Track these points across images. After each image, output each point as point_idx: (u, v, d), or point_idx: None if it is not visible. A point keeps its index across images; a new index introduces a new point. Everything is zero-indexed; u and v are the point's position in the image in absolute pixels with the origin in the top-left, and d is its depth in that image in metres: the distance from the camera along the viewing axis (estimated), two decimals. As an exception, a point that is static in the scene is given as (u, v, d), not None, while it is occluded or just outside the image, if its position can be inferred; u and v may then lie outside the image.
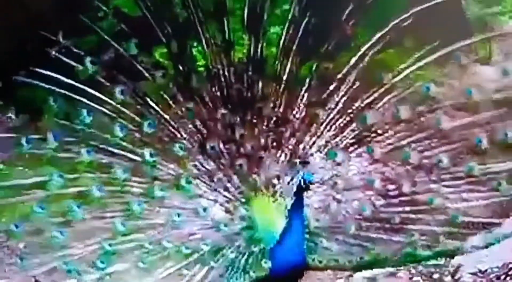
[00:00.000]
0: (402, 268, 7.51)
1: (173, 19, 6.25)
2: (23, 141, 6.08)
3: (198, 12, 6.09)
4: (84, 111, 6.02)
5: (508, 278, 6.96)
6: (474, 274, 7.12)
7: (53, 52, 6.12)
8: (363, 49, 6.05)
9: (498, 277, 7.01)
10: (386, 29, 6.02)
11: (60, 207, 6.07)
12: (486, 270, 7.09)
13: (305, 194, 5.74)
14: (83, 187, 6.07)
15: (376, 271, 7.18)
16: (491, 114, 5.95)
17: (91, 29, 6.61)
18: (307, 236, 5.84)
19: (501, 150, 5.88)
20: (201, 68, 6.27)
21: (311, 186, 5.73)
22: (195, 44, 6.27)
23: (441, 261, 7.63)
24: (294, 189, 5.78)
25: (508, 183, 5.87)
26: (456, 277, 7.20)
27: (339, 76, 6.10)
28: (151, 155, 6.07)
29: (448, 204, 5.95)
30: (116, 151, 6.08)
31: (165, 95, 6.09)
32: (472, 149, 5.91)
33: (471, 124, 5.97)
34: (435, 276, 7.47)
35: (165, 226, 6.03)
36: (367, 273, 7.10)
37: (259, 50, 6.20)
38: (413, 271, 7.56)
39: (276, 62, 6.13)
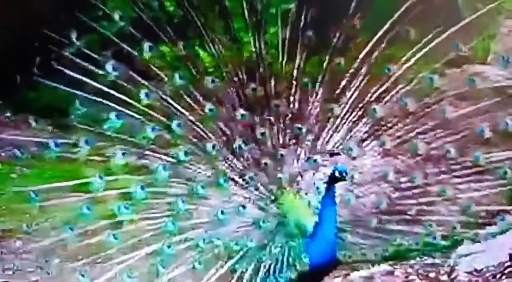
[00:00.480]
0: (398, 266, 7.57)
1: (177, 20, 6.28)
2: (52, 145, 6.06)
3: (201, 13, 6.14)
4: (113, 114, 6.04)
5: (503, 277, 6.98)
6: (470, 273, 7.13)
7: (72, 57, 6.11)
8: (371, 44, 6.08)
9: (494, 276, 7.03)
10: (392, 19, 6.05)
11: (107, 209, 6.07)
12: (482, 269, 7.11)
13: (338, 184, 5.77)
14: (125, 188, 6.06)
15: (373, 269, 7.22)
16: (491, 104, 5.99)
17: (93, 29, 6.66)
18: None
19: (503, 138, 5.93)
20: (212, 69, 6.30)
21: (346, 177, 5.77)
22: (203, 45, 6.30)
23: (438, 260, 7.69)
24: (327, 180, 5.82)
25: None
26: (452, 276, 7.23)
27: (351, 70, 6.14)
28: (185, 154, 6.11)
29: (460, 194, 6.00)
30: (150, 152, 6.10)
31: (187, 98, 6.12)
32: (476, 138, 5.96)
33: (474, 113, 6.02)
34: (431, 275, 7.50)
35: (212, 224, 6.07)
36: (364, 272, 7.14)
37: (264, 49, 6.23)
38: (409, 270, 7.59)
39: (285, 60, 6.17)
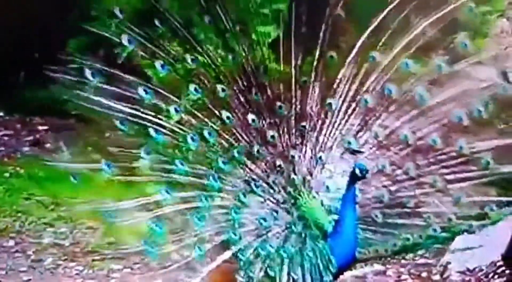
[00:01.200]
0: (390, 266, 7.60)
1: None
2: (104, 166, 6.06)
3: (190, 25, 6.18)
4: (152, 130, 6.06)
5: (496, 276, 7.02)
6: (462, 272, 7.17)
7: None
8: (365, 35, 6.09)
9: (486, 275, 7.06)
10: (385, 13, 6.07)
11: (178, 222, 6.07)
12: (474, 269, 7.15)
13: (358, 183, 5.79)
14: (192, 203, 6.09)
15: (365, 269, 7.26)
16: (464, 90, 6.03)
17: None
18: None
19: (480, 126, 5.96)
20: (214, 80, 6.31)
21: (367, 175, 5.77)
22: (199, 57, 6.32)
23: (431, 260, 7.74)
24: (347, 179, 5.82)
25: (495, 161, 5.94)
26: (444, 276, 7.26)
27: (345, 62, 6.15)
28: (223, 163, 6.15)
29: (449, 185, 6.01)
30: (197, 165, 6.13)
31: (206, 108, 6.14)
32: (456, 126, 5.99)
33: (450, 100, 6.05)
34: (424, 274, 7.54)
35: (259, 231, 6.10)
36: (357, 271, 7.17)
37: (250, 52, 6.24)
38: (401, 269, 7.63)
39: (280, 61, 6.18)
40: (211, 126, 6.09)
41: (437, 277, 7.36)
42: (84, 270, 7.96)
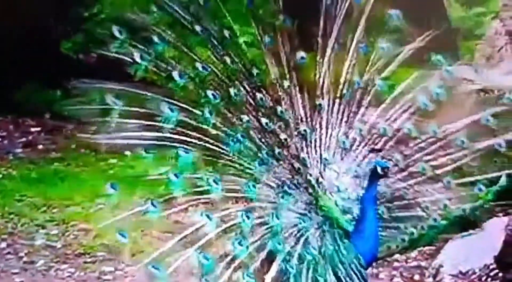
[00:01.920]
0: (382, 269, 7.59)
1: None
2: (150, 206, 5.93)
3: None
4: (181, 150, 5.95)
5: (489, 279, 7.01)
6: (455, 275, 7.16)
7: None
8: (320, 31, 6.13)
9: (479, 278, 7.06)
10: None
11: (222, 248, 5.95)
12: (467, 272, 7.14)
13: (380, 181, 5.78)
14: (232, 221, 6.01)
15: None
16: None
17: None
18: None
19: (445, 109, 6.01)
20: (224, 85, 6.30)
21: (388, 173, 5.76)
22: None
23: (423, 263, 7.74)
24: (367, 177, 5.80)
25: (469, 140, 5.98)
26: (437, 279, 7.25)
27: (316, 62, 6.16)
28: (259, 164, 6.12)
29: (436, 171, 6.05)
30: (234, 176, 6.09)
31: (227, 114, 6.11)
32: (423, 112, 6.03)
33: (411, 87, 6.09)
34: (416, 277, 7.53)
35: (298, 233, 6.07)
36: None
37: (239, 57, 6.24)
38: (393, 272, 7.62)
39: (262, 64, 6.17)
40: (242, 128, 6.03)
41: (429, 280, 7.35)
42: (76, 272, 7.94)
